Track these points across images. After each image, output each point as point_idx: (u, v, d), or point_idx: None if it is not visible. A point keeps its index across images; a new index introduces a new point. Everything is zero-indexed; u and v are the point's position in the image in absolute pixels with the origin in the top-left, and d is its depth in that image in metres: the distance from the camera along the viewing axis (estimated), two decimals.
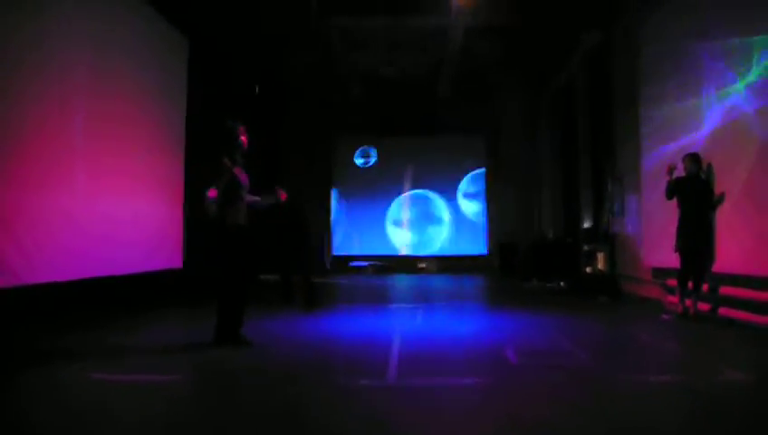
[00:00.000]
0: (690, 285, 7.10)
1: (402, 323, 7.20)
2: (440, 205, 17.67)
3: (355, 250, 17.64)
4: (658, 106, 8.65)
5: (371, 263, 17.17)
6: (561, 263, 12.35)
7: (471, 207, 17.66)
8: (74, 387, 4.13)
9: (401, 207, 17.73)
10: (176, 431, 3.29)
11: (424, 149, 17.73)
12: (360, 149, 17.87)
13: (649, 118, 8.98)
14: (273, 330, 6.55)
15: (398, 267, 17.01)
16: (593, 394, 3.94)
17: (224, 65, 11.62)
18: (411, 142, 17.69)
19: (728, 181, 6.86)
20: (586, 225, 12.69)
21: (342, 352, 5.53)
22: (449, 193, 17.69)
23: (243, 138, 5.55)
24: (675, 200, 7.32)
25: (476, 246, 17.56)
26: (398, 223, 17.67)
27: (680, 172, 7.33)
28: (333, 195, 17.74)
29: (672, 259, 7.38)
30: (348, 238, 17.72)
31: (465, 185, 17.73)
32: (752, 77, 6.38)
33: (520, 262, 14.33)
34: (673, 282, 7.64)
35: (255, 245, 5.55)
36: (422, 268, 17.15)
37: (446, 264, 17.05)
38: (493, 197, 17.36)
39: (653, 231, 8.69)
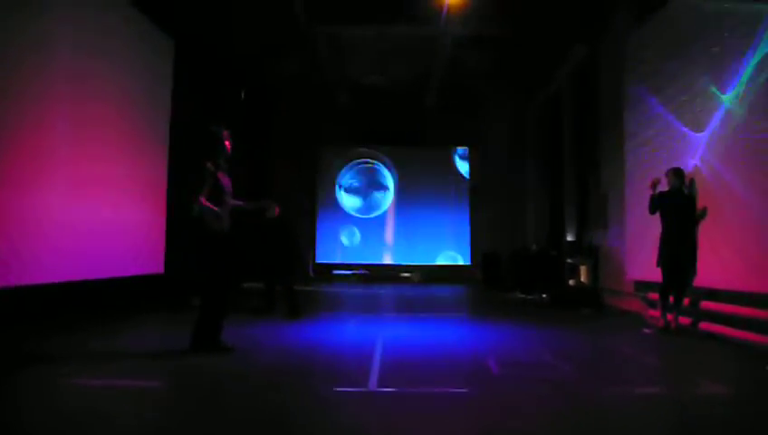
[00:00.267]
0: (671, 299, 7.14)
1: (384, 332, 7.18)
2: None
3: (339, 258, 17.59)
4: (642, 121, 8.73)
5: (355, 271, 17.12)
6: (544, 275, 12.38)
7: (455, 218, 17.68)
8: (55, 392, 4.05)
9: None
10: None
11: (410, 160, 17.76)
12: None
13: (633, 133, 9.06)
14: (255, 337, 6.50)
15: (381, 276, 16.97)
16: (574, 406, 3.93)
17: (210, 69, 11.57)
18: (397, 152, 17.72)
19: (710, 197, 6.93)
20: (570, 238, 12.76)
21: (324, 360, 5.49)
22: (434, 204, 17.69)
23: (227, 142, 5.53)
24: (658, 215, 7.38)
25: (460, 256, 17.58)
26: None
27: (664, 187, 7.38)
28: (317, 202, 17.70)
29: (654, 273, 7.42)
30: (332, 247, 17.66)
31: (449, 195, 17.75)
32: (734, 95, 6.46)
33: (503, 273, 14.36)
34: (655, 295, 7.68)
35: (238, 250, 5.50)
36: (406, 277, 17.13)
37: (430, 274, 17.04)
38: (477, 207, 17.41)
39: (636, 245, 8.75)
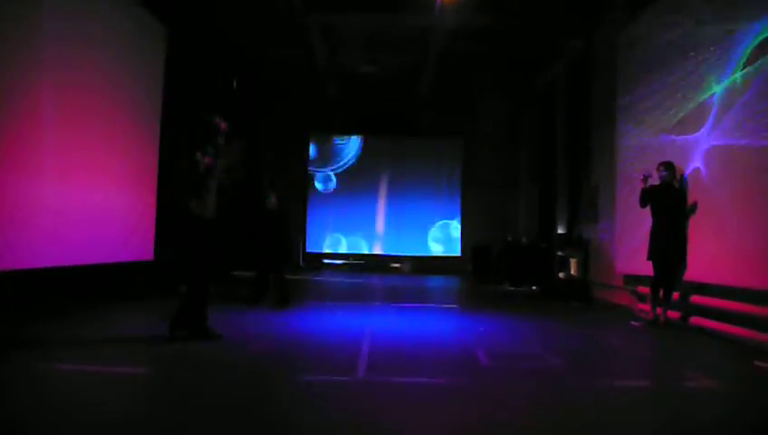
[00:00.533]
0: (661, 292, 7.16)
1: (374, 322, 7.16)
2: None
3: (329, 248, 17.56)
4: (634, 116, 8.73)
5: (345, 261, 17.10)
6: (534, 267, 12.41)
7: (446, 209, 17.68)
8: (41, 378, 4.01)
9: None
10: (139, 424, 3.21)
11: (401, 150, 17.72)
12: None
13: (625, 127, 9.06)
14: (244, 325, 6.47)
15: (372, 266, 16.96)
16: (562, 398, 3.93)
17: (203, 57, 11.46)
18: (389, 142, 17.67)
19: (701, 192, 6.94)
20: (560, 230, 12.78)
21: (312, 349, 5.48)
22: (425, 194, 17.67)
23: (222, 125, 5.50)
24: (648, 208, 7.38)
25: (450, 247, 17.58)
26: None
27: (655, 181, 7.39)
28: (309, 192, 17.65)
29: (643, 267, 7.44)
30: (322, 236, 17.62)
31: (441, 186, 17.74)
32: (725, 89, 6.46)
33: (493, 265, 14.37)
34: (644, 289, 7.70)
35: (221, 237, 5.46)
36: (396, 268, 17.13)
37: (421, 264, 17.04)
38: (468, 199, 17.41)
39: (626, 239, 8.76)
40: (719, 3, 6.65)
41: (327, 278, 14.21)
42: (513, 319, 7.71)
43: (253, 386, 4.01)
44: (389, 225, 17.66)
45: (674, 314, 7.17)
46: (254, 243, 8.49)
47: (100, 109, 8.03)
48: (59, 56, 7.10)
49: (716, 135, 6.63)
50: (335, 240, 17.60)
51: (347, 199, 17.66)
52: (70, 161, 7.34)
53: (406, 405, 3.65)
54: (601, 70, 10.65)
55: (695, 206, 7.04)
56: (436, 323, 7.38)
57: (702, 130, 6.92)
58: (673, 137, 7.58)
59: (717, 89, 6.63)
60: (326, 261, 17.20)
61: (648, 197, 7.35)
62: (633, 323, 7.42)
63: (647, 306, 7.50)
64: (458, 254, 17.40)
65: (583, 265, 10.90)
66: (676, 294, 7.16)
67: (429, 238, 17.58)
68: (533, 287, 11.71)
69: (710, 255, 6.64)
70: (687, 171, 7.21)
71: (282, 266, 8.42)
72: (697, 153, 7.01)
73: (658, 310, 7.13)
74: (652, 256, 7.21)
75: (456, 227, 17.59)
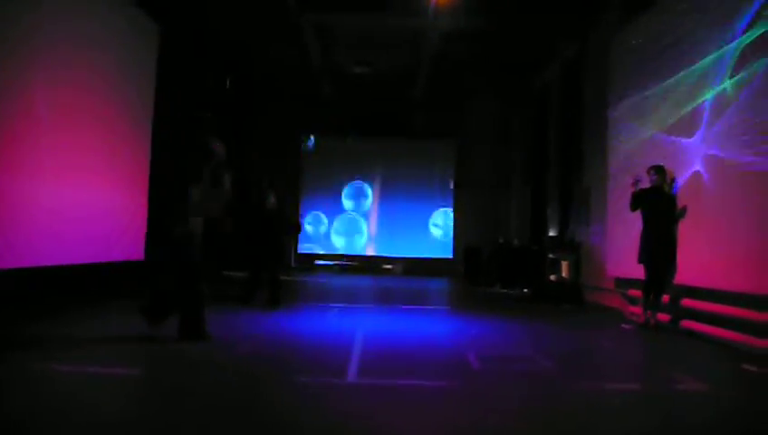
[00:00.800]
0: (652, 296, 7.19)
1: (365, 324, 7.16)
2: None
3: (321, 249, 17.54)
4: (627, 120, 8.77)
5: (337, 262, 17.09)
6: (525, 270, 12.43)
7: (438, 211, 17.70)
8: (32, 378, 3.98)
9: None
10: (129, 426, 3.19)
11: (395, 151, 17.73)
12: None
13: (617, 130, 9.10)
14: (235, 326, 6.46)
15: (363, 268, 16.96)
16: (553, 400, 3.94)
17: (195, 56, 11.42)
18: (382, 143, 17.67)
19: (694, 196, 6.97)
20: (552, 233, 12.82)
21: (303, 350, 5.47)
22: (418, 196, 17.68)
23: (218, 150, 5.52)
24: (639, 212, 7.41)
25: (443, 249, 17.60)
26: None
27: (645, 184, 7.42)
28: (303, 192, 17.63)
29: (634, 270, 7.47)
30: (315, 237, 17.60)
31: (433, 188, 17.75)
32: (714, 94, 6.50)
33: (485, 267, 14.39)
34: (634, 292, 7.74)
35: (206, 252, 5.49)
36: (388, 269, 17.13)
37: (412, 266, 17.05)
38: (461, 201, 17.44)
39: (617, 242, 8.80)
40: (713, 10, 6.69)
41: (319, 279, 14.20)
42: (504, 321, 7.73)
43: (244, 387, 4.00)
44: (382, 226, 17.66)
45: (664, 318, 7.21)
46: (251, 243, 8.46)
47: (92, 108, 7.99)
48: (53, 56, 7.07)
49: (709, 140, 6.67)
50: (327, 241, 17.58)
51: (339, 199, 17.67)
52: (62, 160, 7.29)
53: (396, 407, 3.65)
54: (595, 73, 10.69)
55: (684, 210, 7.08)
56: (427, 326, 7.38)
57: (695, 135, 6.95)
58: (665, 141, 7.62)
59: (709, 95, 6.67)
60: (318, 262, 17.18)
61: (639, 200, 7.38)
62: (624, 326, 7.45)
63: (637, 309, 7.53)
64: (450, 256, 17.43)
65: (575, 268, 10.93)
66: (666, 297, 7.20)
67: (421, 240, 17.57)
68: (525, 290, 11.73)
69: (702, 259, 6.67)
70: (679, 176, 7.24)
71: (277, 267, 8.41)
72: (689, 158, 7.05)
73: (649, 313, 7.16)
74: (643, 259, 7.24)
75: (448, 229, 17.60)
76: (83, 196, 7.80)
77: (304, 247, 17.49)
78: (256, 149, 15.89)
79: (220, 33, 12.06)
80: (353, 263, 17.10)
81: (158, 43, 9.82)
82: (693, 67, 6.99)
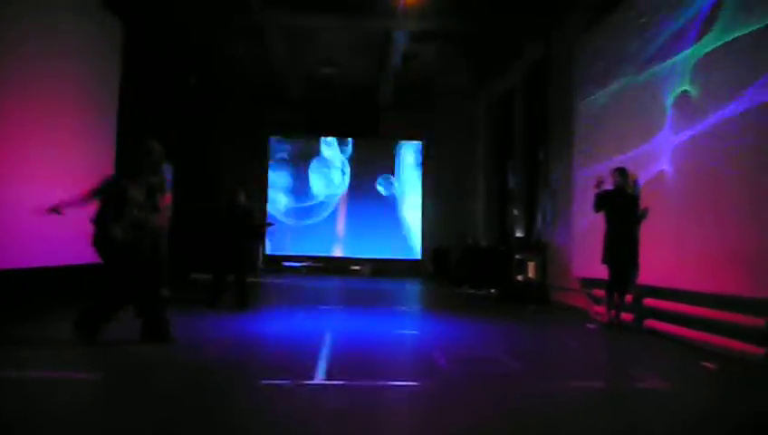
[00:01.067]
0: (615, 295, 7.31)
1: (333, 325, 7.14)
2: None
3: (288, 250, 17.42)
4: (591, 121, 8.90)
5: (305, 264, 17.00)
6: (492, 270, 12.52)
7: (406, 212, 17.73)
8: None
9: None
10: (88, 429, 3.13)
11: (362, 152, 17.72)
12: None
13: (581, 132, 9.24)
14: (201, 328, 6.37)
15: (331, 269, 16.90)
16: (519, 399, 3.98)
17: (160, 53, 11.25)
18: (349, 144, 17.66)
19: (654, 198, 7.10)
20: (519, 234, 12.94)
21: (270, 352, 5.43)
22: (386, 197, 17.70)
23: (157, 151, 5.49)
24: (603, 213, 7.52)
25: (410, 250, 17.64)
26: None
27: (609, 185, 7.53)
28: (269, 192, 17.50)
29: (598, 270, 7.58)
30: (282, 238, 17.47)
31: (401, 189, 17.79)
32: (678, 93, 6.64)
33: (452, 268, 14.46)
34: (599, 292, 7.85)
35: (139, 260, 5.43)
36: (356, 271, 17.10)
37: (380, 267, 17.05)
38: (429, 202, 17.50)
39: (582, 242, 8.92)
40: (678, 14, 6.81)
41: (286, 280, 14.10)
42: (472, 322, 7.77)
43: (208, 390, 3.94)
44: (350, 227, 17.62)
45: (628, 317, 7.33)
46: (218, 245, 8.34)
47: (54, 103, 7.83)
48: (19, 57, 6.93)
49: (673, 141, 6.78)
50: (294, 242, 17.47)
51: (306, 201, 17.59)
52: (25, 158, 7.15)
53: (365, 408, 3.64)
54: (560, 73, 10.81)
55: (646, 211, 7.21)
56: (395, 326, 7.38)
57: (659, 135, 7.07)
58: (629, 143, 7.74)
59: (673, 95, 6.80)
60: (286, 263, 17.07)
61: (602, 202, 7.49)
62: (589, 325, 7.56)
63: (602, 309, 7.65)
64: (419, 257, 17.47)
65: (541, 269, 11.05)
66: (629, 297, 7.32)
67: (389, 241, 17.56)
68: (492, 290, 11.82)
69: (667, 260, 6.78)
70: (643, 177, 7.37)
71: (244, 269, 8.31)
72: (654, 159, 7.17)
73: (613, 312, 7.28)
74: (606, 259, 7.35)
75: (416, 230, 17.64)
76: (44, 196, 7.58)
77: (272, 249, 17.35)
78: (222, 149, 15.72)
79: (185, 32, 11.86)
80: (321, 264, 17.03)
81: (121, 41, 9.65)
82: (657, 67, 7.12)
